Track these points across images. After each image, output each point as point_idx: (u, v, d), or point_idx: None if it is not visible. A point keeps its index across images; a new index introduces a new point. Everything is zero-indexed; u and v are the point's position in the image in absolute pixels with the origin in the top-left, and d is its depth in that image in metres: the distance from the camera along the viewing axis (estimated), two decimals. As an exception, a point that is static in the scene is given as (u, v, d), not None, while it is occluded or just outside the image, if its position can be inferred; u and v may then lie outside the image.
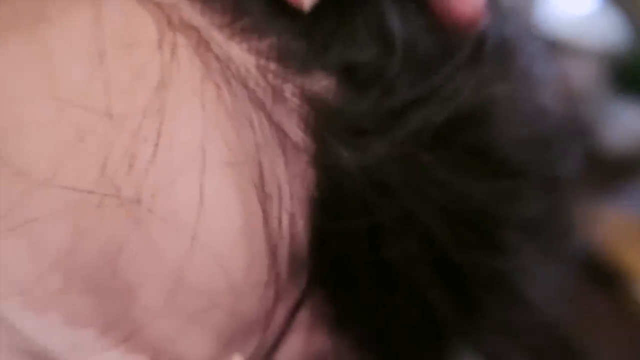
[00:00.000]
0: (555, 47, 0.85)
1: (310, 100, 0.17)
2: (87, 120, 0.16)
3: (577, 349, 0.67)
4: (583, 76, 0.86)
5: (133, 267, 0.16)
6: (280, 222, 0.17)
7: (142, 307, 0.16)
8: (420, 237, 0.18)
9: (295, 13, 0.17)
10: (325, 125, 0.17)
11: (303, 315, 0.18)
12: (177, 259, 0.16)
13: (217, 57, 0.17)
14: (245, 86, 0.17)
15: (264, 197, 0.17)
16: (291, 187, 0.17)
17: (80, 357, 0.16)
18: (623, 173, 0.85)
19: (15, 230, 0.16)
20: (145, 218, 0.16)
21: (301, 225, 0.17)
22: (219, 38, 0.17)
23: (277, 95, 0.17)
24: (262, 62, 0.17)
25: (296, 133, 0.17)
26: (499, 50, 0.20)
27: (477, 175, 0.19)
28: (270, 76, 0.17)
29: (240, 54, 0.17)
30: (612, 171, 0.86)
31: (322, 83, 0.18)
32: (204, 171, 0.16)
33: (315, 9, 0.17)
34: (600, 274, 0.73)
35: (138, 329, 0.16)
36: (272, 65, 0.17)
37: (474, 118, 0.18)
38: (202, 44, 0.17)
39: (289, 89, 0.17)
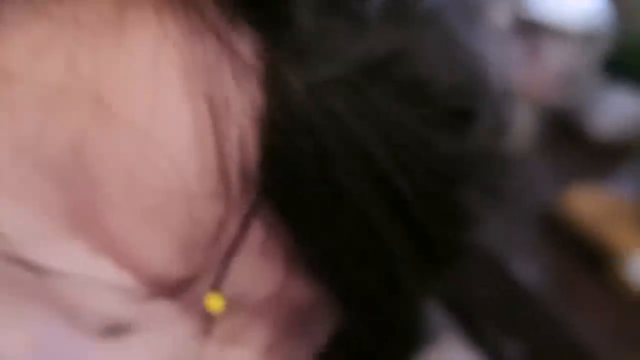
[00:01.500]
0: (545, 31, 0.85)
1: (260, 27, 0.18)
2: None
3: (566, 327, 0.68)
4: (571, 60, 0.87)
5: (96, 161, 0.18)
6: (229, 134, 0.18)
7: (104, 199, 0.18)
8: (362, 158, 0.19)
9: None
10: (274, 49, 0.18)
11: (257, 234, 0.19)
12: (133, 153, 0.18)
13: None
14: (200, 10, 0.18)
15: (213, 109, 0.18)
16: (241, 104, 0.18)
17: (47, 247, 0.18)
18: (611, 157, 0.86)
19: None
20: (105, 114, 0.18)
21: (251, 143, 0.18)
22: None
23: (230, 20, 0.18)
24: None
25: (247, 55, 0.18)
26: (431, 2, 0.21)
27: (411, 104, 0.20)
28: (224, 6, 0.18)
29: None
30: (600, 155, 0.87)
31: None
32: (158, 78, 0.18)
33: None
34: (589, 255, 0.74)
35: (100, 219, 0.18)
36: (227, 2, 0.18)
37: (406, 56, 0.20)
38: None
39: (241, 17, 0.18)
